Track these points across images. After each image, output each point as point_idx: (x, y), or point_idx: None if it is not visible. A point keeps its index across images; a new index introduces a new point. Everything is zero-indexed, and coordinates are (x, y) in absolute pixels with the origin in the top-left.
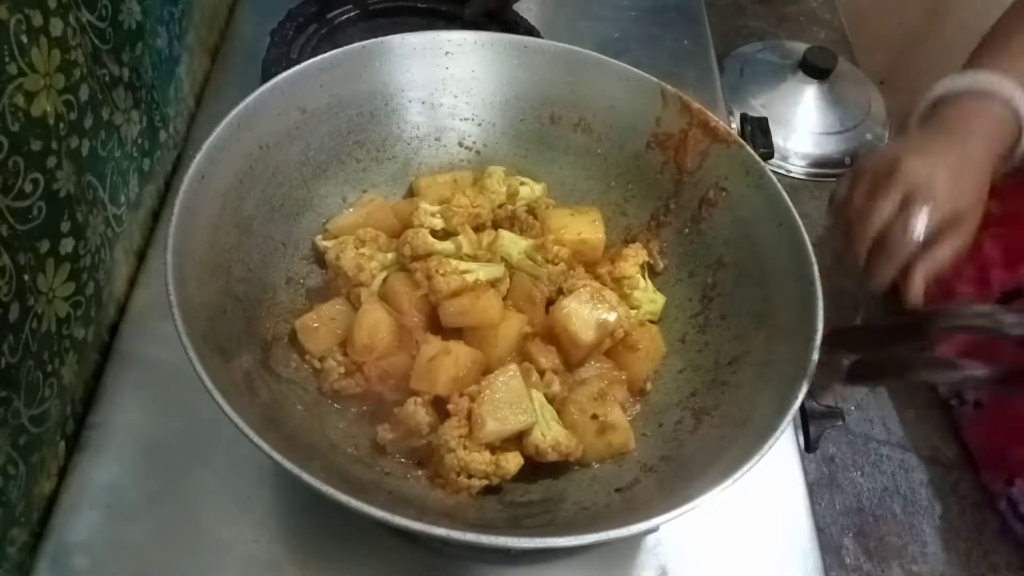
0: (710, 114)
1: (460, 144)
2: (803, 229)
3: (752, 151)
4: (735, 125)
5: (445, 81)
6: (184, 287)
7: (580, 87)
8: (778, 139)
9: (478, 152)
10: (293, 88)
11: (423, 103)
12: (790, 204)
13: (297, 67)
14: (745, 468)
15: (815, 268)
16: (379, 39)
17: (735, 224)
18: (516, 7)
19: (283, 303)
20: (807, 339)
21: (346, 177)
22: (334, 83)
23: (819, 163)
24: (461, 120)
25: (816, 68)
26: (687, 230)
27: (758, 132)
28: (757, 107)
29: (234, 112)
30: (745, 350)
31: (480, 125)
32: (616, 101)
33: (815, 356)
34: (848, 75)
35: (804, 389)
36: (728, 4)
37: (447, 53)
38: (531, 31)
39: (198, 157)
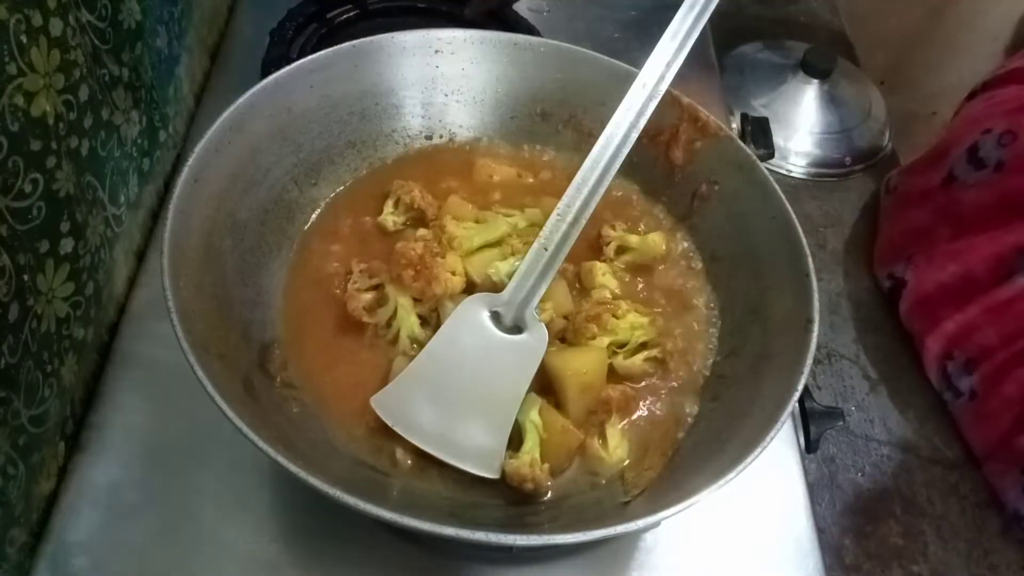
0: (701, 109)
1: (451, 142)
2: (796, 221)
3: (743, 145)
4: (735, 125)
5: (435, 80)
6: (181, 292)
7: (570, 84)
8: (778, 139)
9: (469, 150)
10: (283, 89)
11: (414, 102)
12: (783, 197)
13: (287, 68)
14: (747, 461)
15: (810, 260)
16: (369, 38)
17: (728, 218)
18: (516, 7)
19: (278, 305)
20: (804, 331)
21: (338, 177)
22: (324, 83)
23: (819, 163)
24: (452, 118)
25: (816, 68)
26: (680, 224)
27: (758, 132)
28: (757, 107)
29: (225, 114)
30: (741, 343)
31: (471, 123)
32: (606, 97)
33: (813, 347)
34: (848, 75)
35: (803, 380)
36: (728, 4)
37: (437, 52)
38: (531, 31)
39: (190, 160)
